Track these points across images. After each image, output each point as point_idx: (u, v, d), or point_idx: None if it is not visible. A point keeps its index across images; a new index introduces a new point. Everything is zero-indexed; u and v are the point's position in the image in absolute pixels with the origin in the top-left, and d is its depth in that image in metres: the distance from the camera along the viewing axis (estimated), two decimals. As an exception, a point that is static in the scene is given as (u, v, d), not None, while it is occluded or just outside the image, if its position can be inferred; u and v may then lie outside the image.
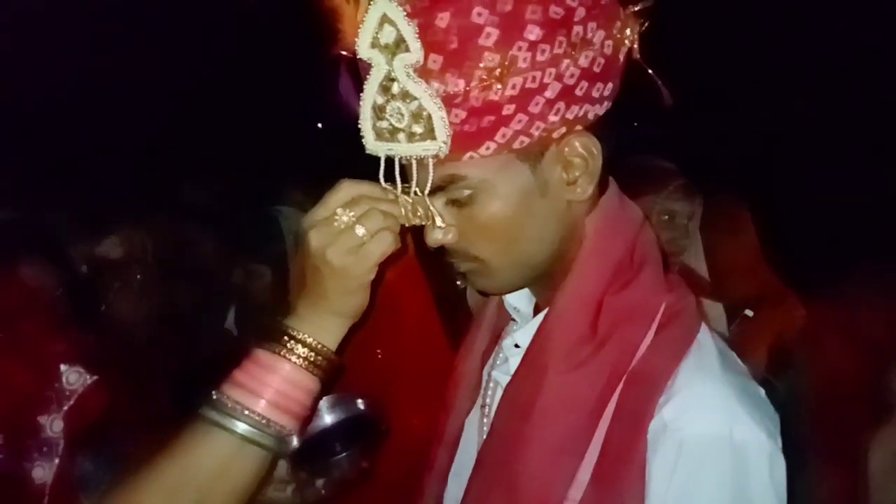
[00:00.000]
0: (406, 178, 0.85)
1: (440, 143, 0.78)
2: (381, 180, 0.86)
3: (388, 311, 1.07)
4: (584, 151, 0.83)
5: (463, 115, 0.76)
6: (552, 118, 0.79)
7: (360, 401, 1.37)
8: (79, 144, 4.39)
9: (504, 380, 0.95)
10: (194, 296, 2.17)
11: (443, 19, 0.73)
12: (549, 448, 0.84)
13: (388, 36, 0.76)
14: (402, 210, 0.85)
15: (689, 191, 2.04)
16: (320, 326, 0.87)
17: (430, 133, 0.78)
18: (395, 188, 0.85)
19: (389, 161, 0.84)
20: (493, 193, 0.83)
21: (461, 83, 0.75)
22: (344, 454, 1.30)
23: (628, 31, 0.82)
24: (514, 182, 0.83)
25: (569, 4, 0.75)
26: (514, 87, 0.75)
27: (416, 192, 0.84)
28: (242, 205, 2.55)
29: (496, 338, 1.07)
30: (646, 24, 0.83)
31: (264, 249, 1.92)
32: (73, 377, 1.47)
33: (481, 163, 0.81)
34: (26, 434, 1.42)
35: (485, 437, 0.97)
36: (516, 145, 0.80)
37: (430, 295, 1.72)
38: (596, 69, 0.79)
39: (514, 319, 1.03)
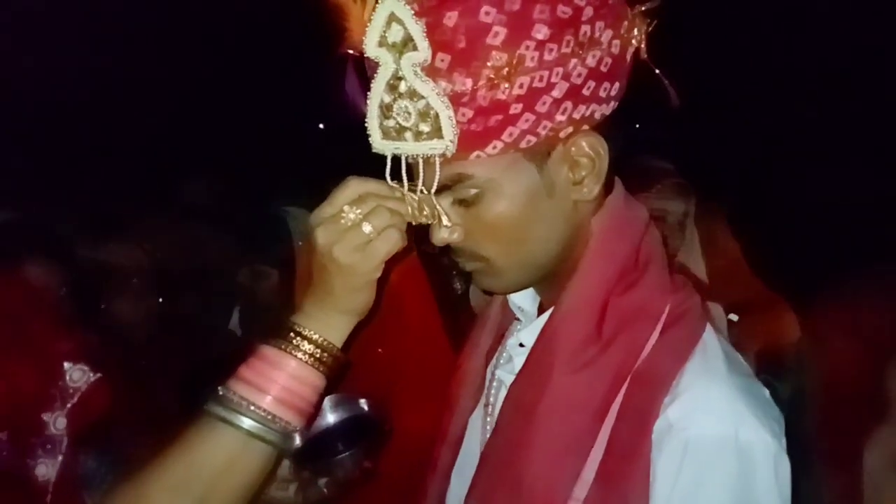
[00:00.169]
0: (412, 177, 0.85)
1: (447, 141, 0.78)
2: (388, 179, 0.86)
3: (391, 311, 1.07)
4: (590, 151, 0.84)
5: (470, 114, 0.76)
6: (559, 117, 0.79)
7: (363, 400, 1.37)
8: (82, 144, 4.40)
9: (508, 379, 0.95)
10: (198, 296, 2.17)
11: (451, 18, 0.74)
12: (554, 447, 0.84)
13: (395, 35, 0.76)
14: (409, 208, 0.86)
15: (681, 190, 2.03)
16: (326, 323, 0.87)
17: (437, 132, 0.78)
18: (402, 187, 0.85)
19: (396, 160, 0.84)
20: (499, 193, 0.83)
21: (469, 82, 0.75)
22: (347, 454, 1.30)
23: (636, 31, 0.82)
24: (521, 182, 0.83)
25: (577, 4, 0.75)
26: (521, 86, 0.75)
27: (422, 191, 0.84)
28: (249, 205, 2.55)
29: (500, 337, 1.07)
30: (653, 24, 0.83)
31: (271, 250, 1.91)
32: (77, 375, 1.48)
33: (488, 162, 0.81)
34: (30, 431, 1.42)
35: (488, 436, 0.97)
36: (523, 145, 0.80)
37: (433, 295, 1.72)
38: (603, 69, 0.79)
39: (518, 319, 1.03)
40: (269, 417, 0.84)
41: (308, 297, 0.88)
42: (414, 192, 0.85)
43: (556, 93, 0.77)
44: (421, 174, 0.83)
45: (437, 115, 0.77)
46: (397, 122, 0.80)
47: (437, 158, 0.80)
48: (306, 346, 0.86)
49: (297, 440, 0.89)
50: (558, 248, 0.88)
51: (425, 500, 1.07)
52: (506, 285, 0.93)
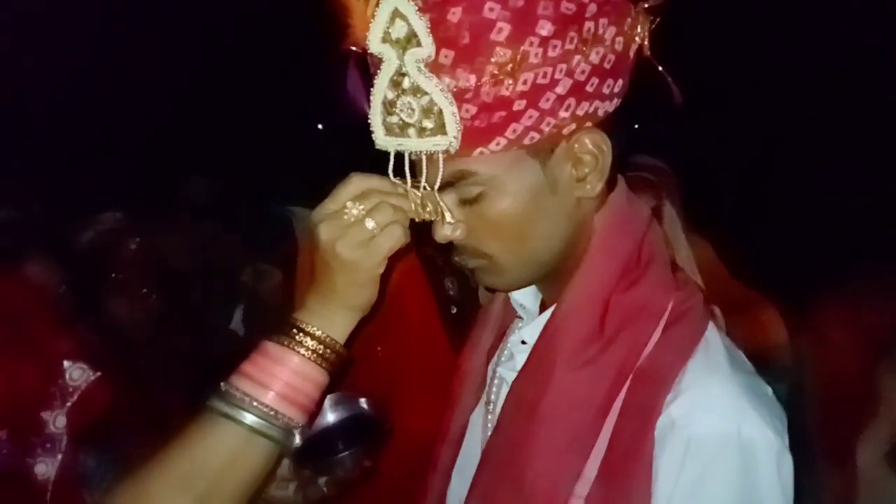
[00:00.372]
0: (415, 174, 0.84)
1: (450, 138, 0.78)
2: (391, 175, 0.86)
3: (392, 309, 1.07)
4: (594, 148, 0.83)
5: (474, 110, 0.76)
6: (563, 114, 0.79)
7: (363, 399, 1.37)
8: (82, 144, 4.40)
9: (510, 376, 0.95)
10: (200, 295, 2.17)
11: (455, 14, 0.74)
12: (556, 445, 0.84)
13: (399, 30, 0.76)
14: (412, 205, 0.86)
15: (647, 185, 1.97)
16: (329, 320, 0.87)
17: (440, 128, 0.78)
18: (405, 183, 0.85)
19: (399, 156, 0.84)
20: (502, 190, 0.83)
21: (472, 78, 0.75)
22: (347, 453, 1.30)
23: (639, 28, 0.82)
24: (524, 179, 0.83)
25: (580, 0, 0.75)
26: (525, 82, 0.75)
27: (425, 188, 0.84)
28: (251, 205, 2.55)
29: (502, 335, 1.07)
30: (656, 21, 0.83)
31: (275, 249, 1.91)
32: (77, 373, 1.47)
33: (491, 159, 0.81)
34: (29, 430, 1.42)
35: (489, 434, 0.97)
36: (526, 141, 0.80)
37: (433, 294, 1.72)
38: (606, 66, 0.79)
39: (520, 316, 1.03)
40: (272, 413, 0.84)
41: (311, 293, 0.88)
42: (417, 188, 0.85)
43: (559, 89, 0.77)
44: (424, 171, 0.83)
45: (440, 112, 0.77)
46: (400, 119, 0.80)
47: (440, 155, 0.80)
48: (309, 342, 0.86)
49: (297, 439, 0.89)
50: (561, 246, 0.88)
51: (426, 499, 1.07)
52: (508, 283, 0.93)
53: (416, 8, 0.74)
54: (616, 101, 0.84)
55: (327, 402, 1.29)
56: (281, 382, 0.85)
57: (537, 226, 0.86)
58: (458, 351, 1.14)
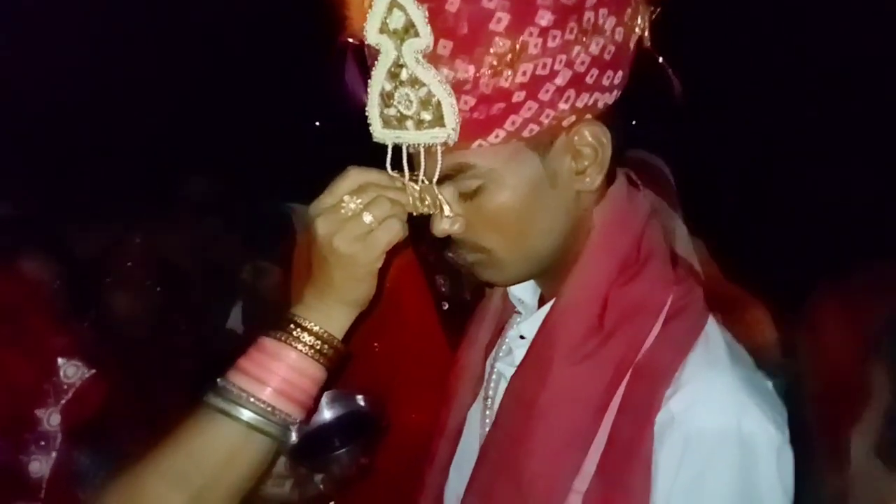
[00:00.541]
0: (413, 167, 0.84)
1: (449, 130, 0.77)
2: (389, 168, 0.85)
3: (390, 305, 1.06)
4: (593, 141, 0.83)
5: (472, 101, 0.76)
6: (562, 106, 0.78)
7: (359, 397, 1.37)
8: (82, 144, 4.39)
9: (508, 371, 0.94)
10: (201, 292, 2.16)
11: (453, 4, 0.73)
12: (555, 440, 0.83)
13: (397, 21, 0.75)
14: (410, 198, 0.85)
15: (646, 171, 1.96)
16: (327, 315, 0.86)
17: (438, 120, 0.77)
18: (403, 177, 0.84)
19: (397, 149, 0.83)
20: (501, 183, 0.82)
21: (471, 69, 0.74)
22: (343, 450, 1.30)
23: (639, 19, 0.81)
24: (523, 171, 0.82)
25: None
26: (524, 73, 0.74)
27: (423, 181, 0.83)
28: (250, 203, 2.55)
29: (500, 330, 1.06)
30: (656, 12, 0.82)
31: (275, 247, 1.91)
32: (71, 371, 1.47)
33: (490, 151, 0.80)
34: (24, 427, 1.41)
35: (487, 429, 0.96)
36: (526, 133, 0.79)
37: (430, 290, 1.71)
38: (606, 56, 0.78)
39: (518, 311, 1.02)
40: (269, 410, 0.83)
41: (308, 288, 0.87)
42: (415, 181, 0.84)
43: (559, 80, 0.76)
44: (422, 164, 0.82)
45: (438, 103, 0.76)
46: (398, 111, 0.79)
47: (438, 147, 0.79)
48: (307, 337, 0.85)
49: (294, 436, 0.88)
50: (560, 240, 0.87)
51: (423, 495, 1.06)
52: (507, 277, 0.92)
53: (414, -2, 0.73)
54: (616, 94, 0.83)
55: (324, 399, 1.29)
56: (278, 378, 0.84)
57: (536, 219, 0.85)
58: (456, 346, 1.13)
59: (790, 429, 0.82)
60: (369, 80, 0.80)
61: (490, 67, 0.74)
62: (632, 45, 0.82)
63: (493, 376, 1.02)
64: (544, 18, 0.73)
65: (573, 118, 0.81)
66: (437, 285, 1.87)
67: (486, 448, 0.93)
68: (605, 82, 0.80)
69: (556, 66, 0.75)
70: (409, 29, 0.74)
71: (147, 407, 1.66)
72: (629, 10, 0.80)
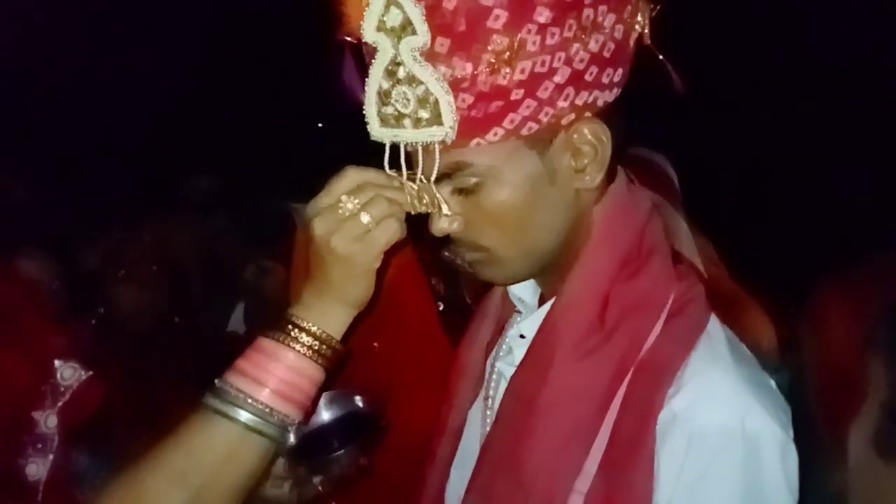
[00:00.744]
0: (411, 166, 0.83)
1: (447, 128, 0.76)
2: (386, 167, 0.84)
3: (389, 305, 1.05)
4: (593, 138, 0.82)
5: (470, 99, 0.75)
6: (561, 104, 0.77)
7: (358, 397, 1.36)
8: (82, 144, 4.39)
9: (508, 371, 0.94)
10: (198, 292, 2.16)
11: (450, 1, 0.72)
12: (556, 439, 0.83)
13: (394, 19, 0.74)
14: (408, 197, 0.84)
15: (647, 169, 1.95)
16: (325, 315, 0.86)
17: (436, 118, 0.76)
18: (401, 176, 0.84)
19: (395, 148, 0.83)
20: (500, 181, 0.81)
21: (469, 67, 0.74)
22: (342, 451, 1.29)
23: (639, 16, 0.81)
24: (522, 169, 0.81)
25: None
26: (522, 71, 0.74)
27: (421, 180, 0.83)
28: (255, 201, 2.54)
29: (500, 329, 1.05)
30: (656, 9, 0.81)
31: (277, 246, 1.90)
32: (68, 373, 1.46)
33: (488, 149, 0.79)
34: (20, 430, 1.41)
35: (488, 428, 0.96)
36: (524, 131, 0.78)
37: (429, 289, 1.71)
38: (606, 54, 0.78)
39: (518, 310, 1.02)
40: (267, 411, 0.83)
41: (306, 288, 0.87)
42: (413, 180, 0.83)
43: (558, 78, 0.76)
44: (420, 162, 0.81)
45: (436, 102, 0.75)
46: (396, 109, 0.78)
47: (436, 146, 0.79)
48: (305, 338, 0.85)
49: (292, 437, 0.88)
50: (560, 238, 0.87)
51: (424, 494, 1.05)
52: (507, 276, 0.92)
53: (412, -5, 0.73)
54: (616, 91, 0.83)
55: (322, 400, 1.28)
56: (276, 379, 0.84)
57: (536, 217, 0.84)
58: (456, 346, 1.12)
59: (793, 425, 0.81)
60: (367, 79, 0.80)
61: (488, 65, 0.73)
62: (632, 42, 0.81)
63: (494, 376, 1.02)
64: (543, 15, 0.73)
65: (572, 116, 0.80)
66: (436, 285, 1.87)
67: (486, 447, 0.92)
68: (605, 80, 0.79)
69: (555, 64, 0.75)
70: (407, 27, 0.74)
71: (146, 408, 1.66)
72: (629, 8, 0.79)
